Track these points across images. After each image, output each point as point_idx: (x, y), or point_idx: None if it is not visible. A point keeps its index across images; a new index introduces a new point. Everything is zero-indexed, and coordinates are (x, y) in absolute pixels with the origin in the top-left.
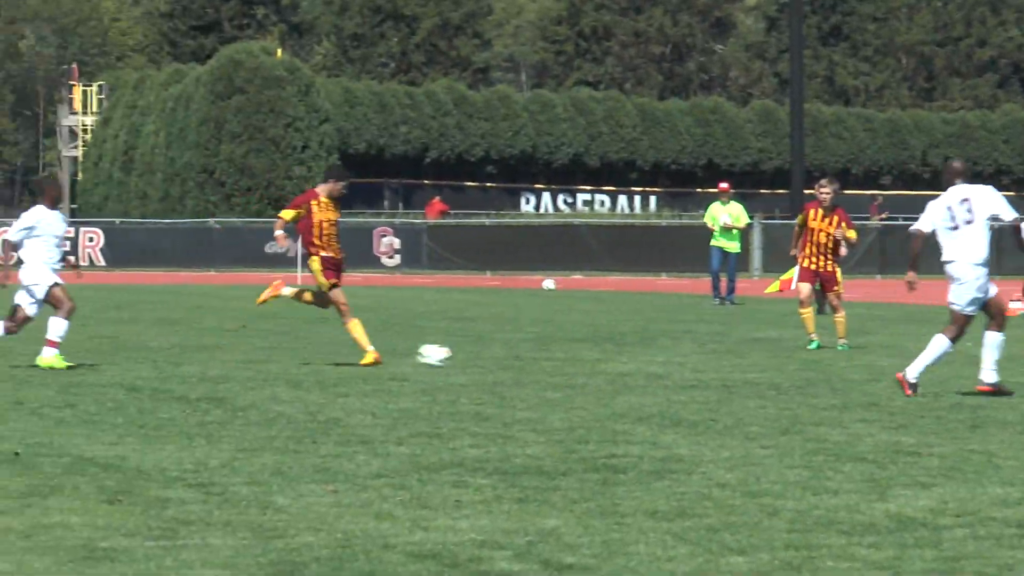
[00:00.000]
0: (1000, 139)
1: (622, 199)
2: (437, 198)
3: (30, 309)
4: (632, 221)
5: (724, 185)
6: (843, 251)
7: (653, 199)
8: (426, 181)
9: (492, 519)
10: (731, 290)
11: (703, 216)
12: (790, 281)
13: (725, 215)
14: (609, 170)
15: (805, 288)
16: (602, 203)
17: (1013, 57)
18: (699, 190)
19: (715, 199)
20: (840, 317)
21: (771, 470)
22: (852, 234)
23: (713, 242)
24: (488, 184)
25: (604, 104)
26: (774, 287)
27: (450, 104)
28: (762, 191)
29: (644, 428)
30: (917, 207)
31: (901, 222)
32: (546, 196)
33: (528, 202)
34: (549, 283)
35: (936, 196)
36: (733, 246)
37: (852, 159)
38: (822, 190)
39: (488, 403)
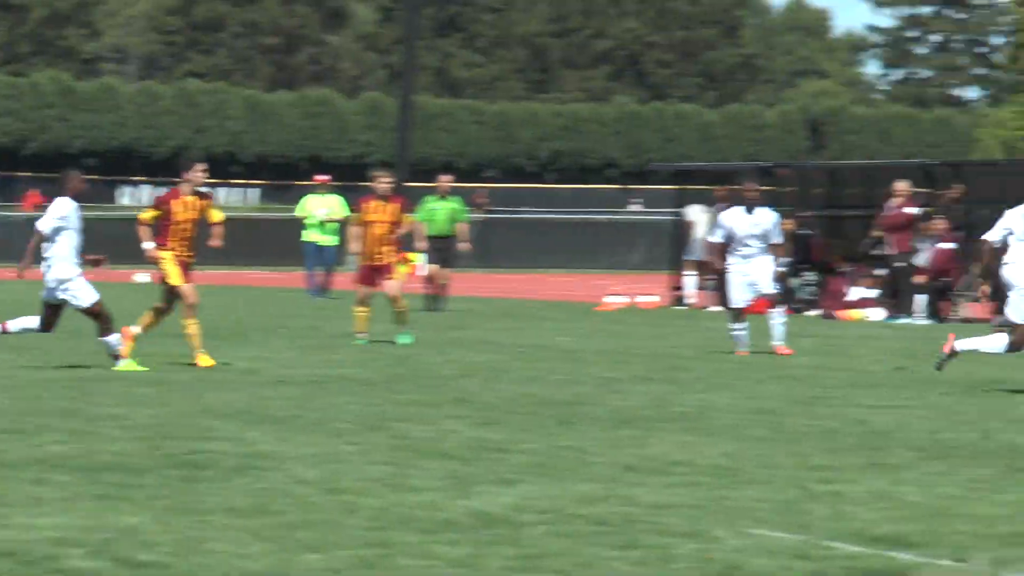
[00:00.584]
0: (610, 132)
1: (222, 192)
2: (36, 191)
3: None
4: (233, 214)
5: (323, 177)
6: (421, 244)
7: (256, 192)
8: (22, 173)
9: (70, 516)
10: (327, 284)
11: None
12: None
13: (323, 208)
14: (212, 163)
15: (364, 289)
16: None
17: (630, 48)
18: (300, 183)
19: (312, 191)
20: (401, 306)
21: (354, 467)
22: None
23: (306, 236)
24: (88, 176)
25: (213, 96)
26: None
27: (54, 95)
28: (365, 184)
29: (230, 424)
30: (522, 199)
31: (503, 215)
32: (146, 189)
33: (126, 195)
34: (143, 276)
35: (547, 189)
36: (330, 240)
37: (459, 152)
38: (381, 180)
39: (74, 399)
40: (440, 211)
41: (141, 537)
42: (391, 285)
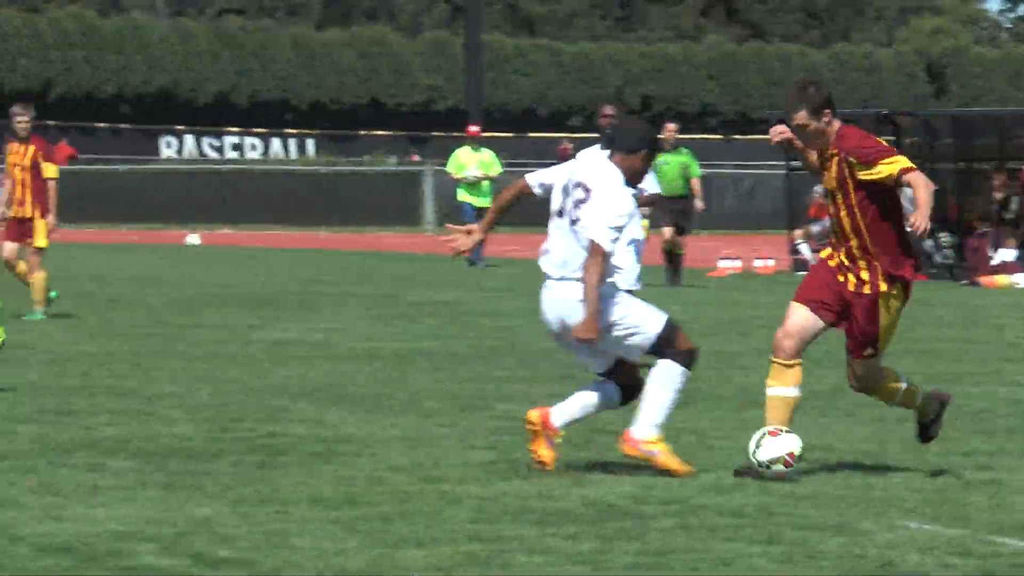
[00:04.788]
0: (705, 75)
1: (276, 143)
2: (64, 141)
3: None
4: (288, 167)
5: (475, 128)
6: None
7: (311, 143)
8: (50, 122)
9: (134, 507)
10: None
11: (447, 163)
12: None
13: (474, 165)
14: (261, 110)
15: (9, 247)
16: (253, 147)
17: None
18: (362, 132)
19: (462, 143)
20: (38, 277)
21: (452, 452)
22: (51, 171)
23: (461, 196)
24: (122, 125)
25: (254, 36)
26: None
27: (77, 35)
28: (435, 134)
29: (306, 404)
30: None
31: None
32: (189, 139)
33: (169, 146)
34: (194, 238)
35: None
36: (484, 201)
37: (538, 98)
38: (17, 118)
39: (127, 375)
40: (670, 165)
41: (217, 531)
42: (31, 256)
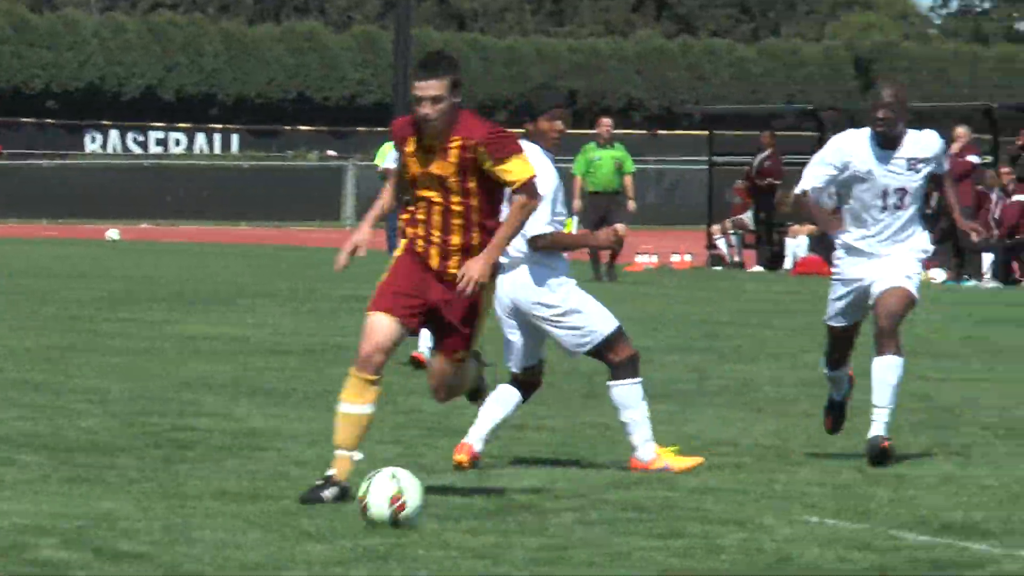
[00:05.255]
0: (633, 69)
1: (200, 138)
2: None
3: None
4: (211, 163)
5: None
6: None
7: (235, 137)
8: None
9: (38, 501)
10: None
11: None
12: None
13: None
14: (186, 105)
15: None
16: (177, 142)
17: None
18: (287, 128)
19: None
20: None
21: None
22: None
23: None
24: (48, 120)
25: (185, 30)
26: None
27: (8, 30)
28: (359, 128)
29: (216, 398)
30: None
31: None
32: (114, 134)
33: (94, 141)
34: (113, 233)
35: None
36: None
37: (463, 92)
38: None
39: (40, 370)
40: (603, 161)
41: (120, 524)
42: None
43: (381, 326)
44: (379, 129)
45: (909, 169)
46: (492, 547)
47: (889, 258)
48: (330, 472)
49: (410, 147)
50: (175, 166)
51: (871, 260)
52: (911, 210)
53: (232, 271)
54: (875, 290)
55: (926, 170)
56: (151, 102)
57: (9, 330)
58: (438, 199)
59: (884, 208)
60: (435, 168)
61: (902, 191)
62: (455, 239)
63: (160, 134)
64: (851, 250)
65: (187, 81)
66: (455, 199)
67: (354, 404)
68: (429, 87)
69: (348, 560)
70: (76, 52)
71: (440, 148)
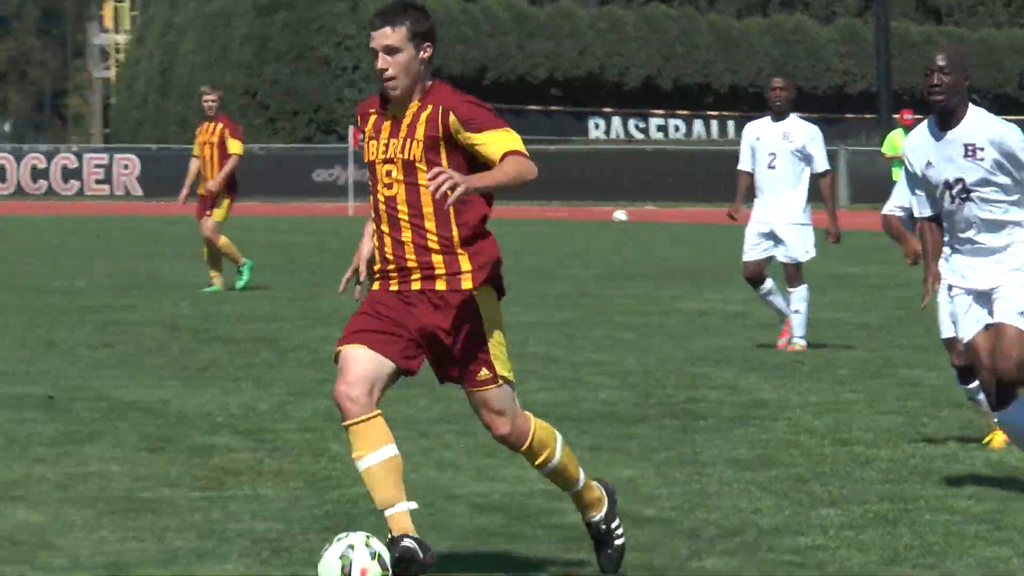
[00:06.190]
0: None
1: (698, 124)
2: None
3: None
4: (710, 148)
5: (909, 116)
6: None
7: (731, 124)
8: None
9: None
10: None
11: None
12: None
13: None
14: (683, 94)
15: (208, 224)
16: (677, 128)
17: None
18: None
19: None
20: (222, 243)
21: (862, 416)
22: (235, 147)
23: (896, 177)
24: (552, 108)
25: (679, 23)
26: None
27: (509, 22)
28: (847, 116)
29: (724, 371)
30: None
31: None
32: (616, 121)
33: (597, 127)
34: (621, 214)
35: None
36: None
37: None
38: (205, 97)
39: (556, 344)
40: None
41: (641, 491)
42: None
43: (354, 359)
44: (867, 116)
45: None
46: (994, 512)
47: None
48: (392, 535)
49: (369, 124)
50: (675, 151)
51: None
52: None
53: (727, 250)
54: None
55: None
56: (650, 91)
57: (523, 307)
58: (401, 188)
59: None
60: (401, 150)
61: None
62: (430, 237)
63: (660, 120)
64: None
65: (683, 71)
66: (424, 183)
67: (369, 455)
68: (382, 35)
69: (859, 524)
70: (574, 42)
71: (407, 123)
